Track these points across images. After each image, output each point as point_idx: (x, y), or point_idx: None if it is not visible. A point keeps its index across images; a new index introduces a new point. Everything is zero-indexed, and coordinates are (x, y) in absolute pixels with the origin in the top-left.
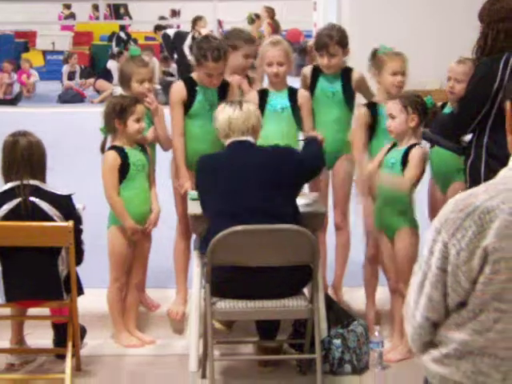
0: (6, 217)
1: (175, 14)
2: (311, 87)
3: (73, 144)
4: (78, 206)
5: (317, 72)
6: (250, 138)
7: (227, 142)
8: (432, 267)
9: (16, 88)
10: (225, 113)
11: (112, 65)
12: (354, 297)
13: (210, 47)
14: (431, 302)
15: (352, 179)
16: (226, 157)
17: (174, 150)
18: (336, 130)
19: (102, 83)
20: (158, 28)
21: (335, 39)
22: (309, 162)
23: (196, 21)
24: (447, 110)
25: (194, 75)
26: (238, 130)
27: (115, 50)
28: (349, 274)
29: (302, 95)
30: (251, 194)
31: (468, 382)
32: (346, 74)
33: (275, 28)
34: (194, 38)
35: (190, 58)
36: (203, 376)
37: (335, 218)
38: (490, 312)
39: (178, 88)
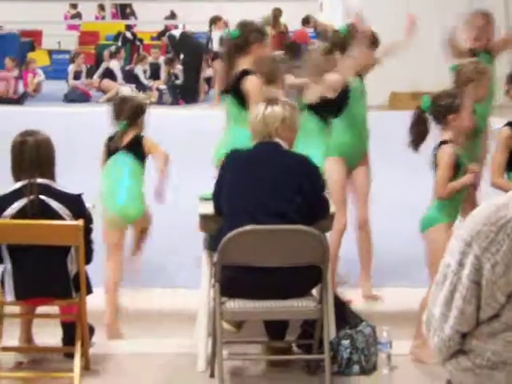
0: (16, 215)
1: (174, 16)
2: None
3: (79, 143)
4: (88, 205)
5: None
6: (277, 140)
7: (255, 141)
8: (463, 280)
9: (21, 87)
10: (257, 111)
11: (114, 64)
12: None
13: None
14: (463, 315)
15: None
16: (252, 155)
17: None
18: (365, 128)
19: (107, 83)
20: (161, 34)
21: None
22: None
23: (215, 21)
24: None
25: None
26: (263, 132)
27: (113, 48)
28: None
29: None
30: (267, 195)
31: None
32: None
33: (280, 40)
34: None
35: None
36: (211, 375)
37: (360, 217)
38: None
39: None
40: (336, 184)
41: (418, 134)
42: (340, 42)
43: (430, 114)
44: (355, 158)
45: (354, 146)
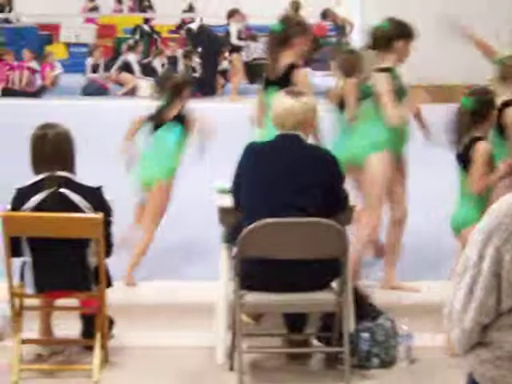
0: (36, 208)
1: (192, 9)
2: None
3: (97, 136)
4: (108, 197)
5: None
6: (298, 133)
7: (278, 132)
8: (483, 272)
9: (39, 80)
10: (282, 103)
11: (131, 57)
12: (383, 291)
13: None
14: (484, 307)
15: None
16: (271, 148)
17: None
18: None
19: (125, 76)
20: (179, 27)
21: None
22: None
23: (234, 13)
24: None
25: None
26: (286, 123)
27: (131, 41)
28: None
29: None
30: (287, 188)
31: None
32: None
33: None
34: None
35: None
36: (230, 369)
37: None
38: None
39: None
40: (383, 178)
41: (458, 131)
42: (384, 37)
43: (471, 109)
44: (397, 155)
45: (398, 143)
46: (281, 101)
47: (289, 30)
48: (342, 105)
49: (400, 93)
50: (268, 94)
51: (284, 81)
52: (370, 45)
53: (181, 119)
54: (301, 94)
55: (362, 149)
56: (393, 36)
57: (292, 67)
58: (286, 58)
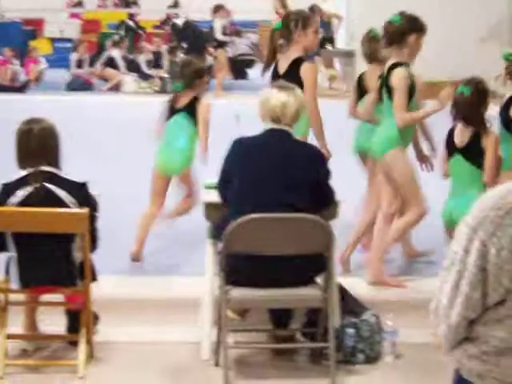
0: (22, 203)
1: (177, 4)
2: None
3: (81, 131)
4: (95, 192)
5: None
6: (287, 128)
7: (266, 126)
8: (469, 266)
9: (23, 75)
10: (276, 98)
11: (115, 53)
12: (368, 287)
13: None
14: (470, 301)
15: None
16: (260, 143)
17: None
18: None
19: (109, 71)
20: (164, 22)
21: None
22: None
23: (219, 9)
24: None
25: None
26: (275, 116)
27: (116, 37)
28: (359, 265)
29: None
30: (273, 184)
31: (507, 378)
32: None
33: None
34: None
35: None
36: (216, 364)
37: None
38: None
39: None
40: (412, 172)
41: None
42: (396, 32)
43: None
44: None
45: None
46: (275, 96)
47: (288, 25)
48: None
49: (412, 89)
50: None
51: (292, 75)
52: (383, 41)
53: (192, 108)
54: (292, 89)
55: (381, 144)
56: (405, 30)
57: (298, 61)
58: (293, 52)
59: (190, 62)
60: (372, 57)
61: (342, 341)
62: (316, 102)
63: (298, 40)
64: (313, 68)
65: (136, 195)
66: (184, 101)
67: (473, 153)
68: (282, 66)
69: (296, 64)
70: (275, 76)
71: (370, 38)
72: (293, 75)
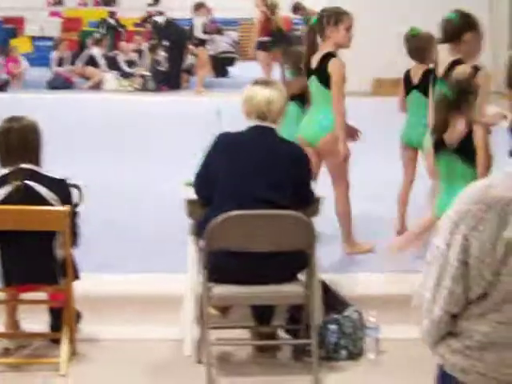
0: (3, 201)
1: (157, 2)
2: None
3: (63, 129)
4: (79, 183)
5: None
6: (272, 125)
7: (250, 123)
8: (451, 260)
9: (4, 74)
10: (261, 94)
11: (96, 51)
12: (351, 283)
13: None
14: (452, 295)
15: None
16: (244, 140)
17: None
18: None
19: (90, 70)
20: (145, 20)
21: None
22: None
23: (199, 7)
24: None
25: None
26: (260, 112)
27: (97, 35)
28: (343, 262)
29: None
30: (256, 181)
31: (491, 373)
32: None
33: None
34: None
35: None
36: (199, 361)
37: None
38: None
39: None
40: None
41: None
42: (452, 30)
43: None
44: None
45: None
46: (259, 92)
47: (322, 21)
48: None
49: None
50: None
51: (321, 70)
52: (441, 38)
53: (302, 95)
54: (275, 84)
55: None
56: (461, 28)
57: (328, 56)
58: (324, 48)
59: (294, 50)
60: (415, 54)
61: (325, 337)
62: (341, 97)
63: (329, 36)
64: (340, 64)
65: (113, 188)
66: (296, 88)
67: (465, 151)
68: (315, 61)
69: (326, 59)
70: (308, 70)
71: (411, 36)
72: (322, 70)
